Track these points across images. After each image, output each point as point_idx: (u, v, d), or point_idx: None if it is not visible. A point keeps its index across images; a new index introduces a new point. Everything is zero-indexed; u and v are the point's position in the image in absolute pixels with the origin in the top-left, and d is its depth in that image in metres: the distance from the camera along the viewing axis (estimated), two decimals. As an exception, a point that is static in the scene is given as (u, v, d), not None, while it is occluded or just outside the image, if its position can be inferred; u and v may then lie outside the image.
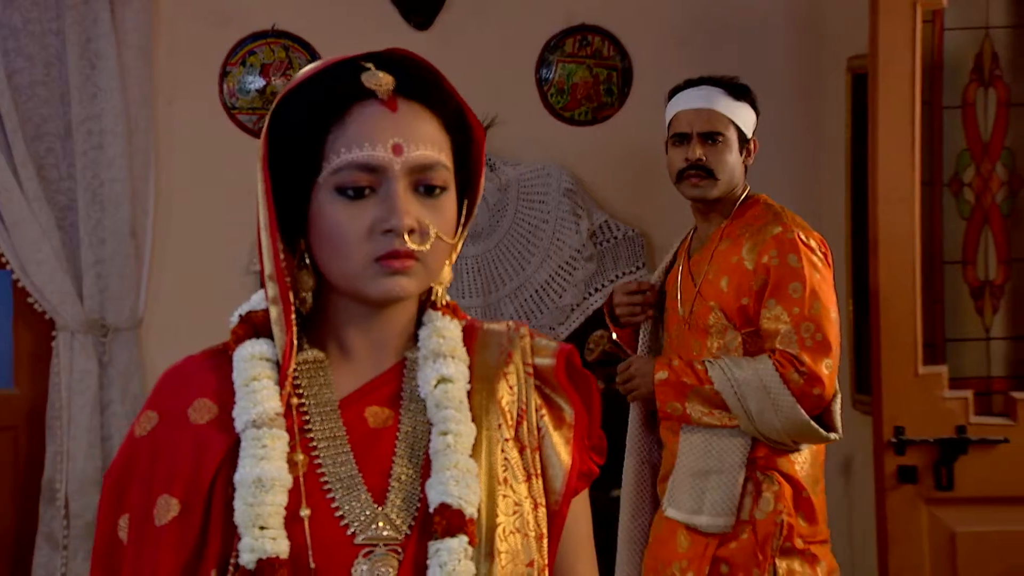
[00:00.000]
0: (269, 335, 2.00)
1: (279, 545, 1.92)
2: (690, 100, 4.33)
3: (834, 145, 5.72)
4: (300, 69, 5.66)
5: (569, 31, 6.06)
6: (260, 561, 1.91)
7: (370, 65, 1.97)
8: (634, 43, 6.09)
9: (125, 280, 5.75)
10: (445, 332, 2.10)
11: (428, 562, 1.98)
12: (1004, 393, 4.78)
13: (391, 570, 1.98)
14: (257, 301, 2.06)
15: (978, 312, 4.81)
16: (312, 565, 1.95)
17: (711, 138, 4.26)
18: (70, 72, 5.61)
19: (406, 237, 1.93)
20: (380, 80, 1.94)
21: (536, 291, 5.78)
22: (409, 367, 2.10)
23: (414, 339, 2.09)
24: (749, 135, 4.35)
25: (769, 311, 4.15)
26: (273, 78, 5.94)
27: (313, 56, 5.93)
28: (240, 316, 2.05)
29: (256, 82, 5.92)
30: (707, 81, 4.37)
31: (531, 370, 2.16)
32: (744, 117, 4.34)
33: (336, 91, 1.95)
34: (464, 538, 1.99)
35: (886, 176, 4.69)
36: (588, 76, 6.08)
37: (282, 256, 1.98)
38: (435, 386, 2.05)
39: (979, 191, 4.96)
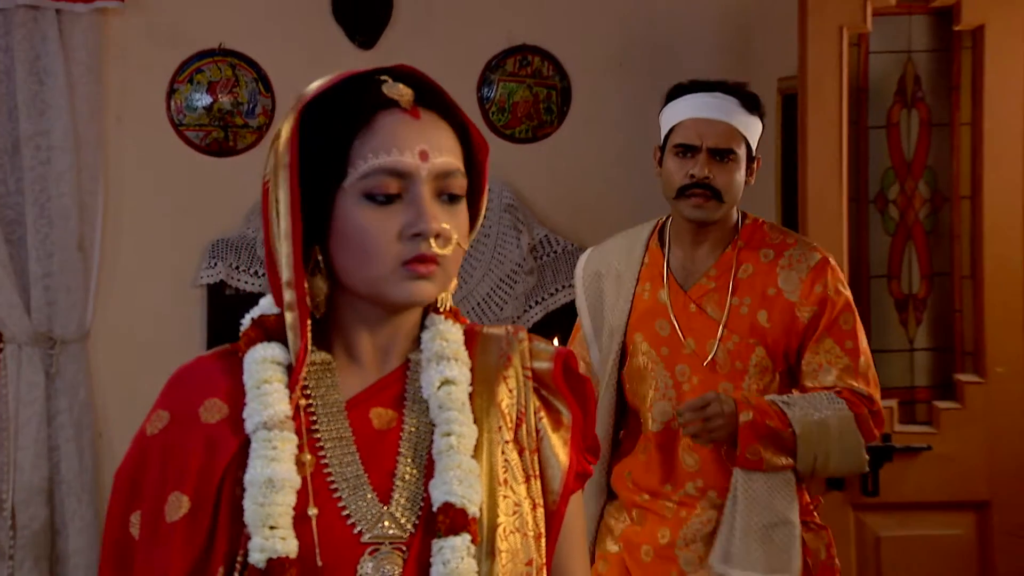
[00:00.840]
0: (280, 339, 2.02)
1: (288, 545, 1.94)
2: (701, 108, 3.86)
3: (764, 162, 5.66)
4: (246, 87, 5.87)
5: (510, 51, 6.09)
6: (270, 561, 1.93)
7: (386, 78, 2.00)
8: (573, 63, 6.13)
9: (73, 293, 5.73)
10: (448, 335, 2.11)
11: (432, 560, 2.01)
12: (927, 402, 4.88)
13: (396, 568, 2.01)
14: (267, 306, 2.08)
15: (902, 324, 4.88)
16: (319, 563, 1.97)
17: (722, 155, 3.81)
18: (18, 88, 5.60)
19: (432, 241, 1.95)
20: (401, 91, 1.97)
21: (478, 304, 5.80)
22: (412, 369, 2.12)
23: (417, 342, 2.11)
24: (755, 152, 3.93)
25: (820, 345, 3.81)
26: (220, 95, 5.93)
27: (259, 74, 5.93)
28: (252, 319, 2.07)
29: (203, 99, 5.92)
30: (721, 87, 3.90)
31: (530, 373, 2.18)
32: (755, 132, 3.92)
33: (361, 100, 1.97)
34: (467, 536, 2.01)
35: (815, 193, 4.78)
36: (528, 95, 6.12)
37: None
38: (438, 388, 2.07)
39: (903, 208, 4.98)
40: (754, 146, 3.89)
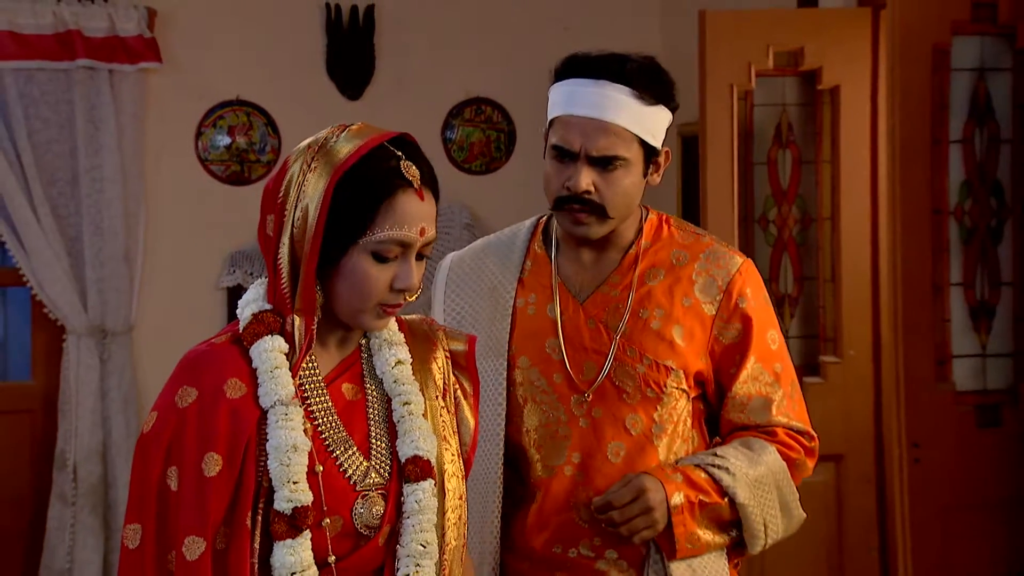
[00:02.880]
0: (276, 331, 2.03)
1: (307, 495, 1.98)
2: (581, 102, 2.55)
3: (666, 194, 5.79)
4: (258, 130, 5.94)
5: (467, 102, 6.22)
6: (295, 508, 1.97)
7: (400, 153, 2.03)
8: (518, 111, 6.24)
9: (120, 294, 5.79)
10: (391, 325, 2.16)
11: (404, 500, 2.07)
12: (798, 378, 4.75)
13: (380, 507, 2.07)
14: (255, 298, 2.07)
15: (779, 317, 4.84)
16: (325, 508, 2.02)
17: (605, 164, 2.54)
18: (78, 132, 5.68)
19: (408, 297, 2.05)
20: (414, 173, 2.02)
21: None
22: (365, 352, 2.16)
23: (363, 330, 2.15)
24: (660, 145, 2.62)
25: (746, 370, 2.63)
26: (237, 137, 5.98)
27: (269, 119, 5.99)
28: (253, 315, 2.05)
29: (224, 140, 5.98)
30: (610, 71, 2.55)
31: (448, 354, 2.25)
32: (655, 125, 2.58)
33: (387, 177, 2.01)
34: (431, 481, 2.08)
35: (713, 214, 4.80)
36: (482, 137, 6.23)
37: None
38: (393, 367, 2.13)
39: (780, 226, 5.01)
40: (657, 141, 2.60)
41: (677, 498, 2.51)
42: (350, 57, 6.02)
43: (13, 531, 5.87)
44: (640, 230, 2.70)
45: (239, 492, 1.98)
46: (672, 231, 2.71)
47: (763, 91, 4.97)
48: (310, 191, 1.99)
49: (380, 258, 2.01)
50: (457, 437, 2.22)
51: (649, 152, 2.60)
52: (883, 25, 4.70)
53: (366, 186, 2.00)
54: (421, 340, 2.22)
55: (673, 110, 2.64)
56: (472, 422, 2.26)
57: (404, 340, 2.17)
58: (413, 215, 2.01)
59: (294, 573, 1.97)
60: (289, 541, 1.97)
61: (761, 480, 2.58)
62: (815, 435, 2.71)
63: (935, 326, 4.48)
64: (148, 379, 5.90)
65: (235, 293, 5.89)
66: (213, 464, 1.96)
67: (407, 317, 2.25)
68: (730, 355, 2.65)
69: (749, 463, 2.58)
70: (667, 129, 2.65)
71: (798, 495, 2.67)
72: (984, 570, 4.51)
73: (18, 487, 5.88)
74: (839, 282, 4.91)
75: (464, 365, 2.26)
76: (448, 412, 2.21)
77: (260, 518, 2.00)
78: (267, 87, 6.03)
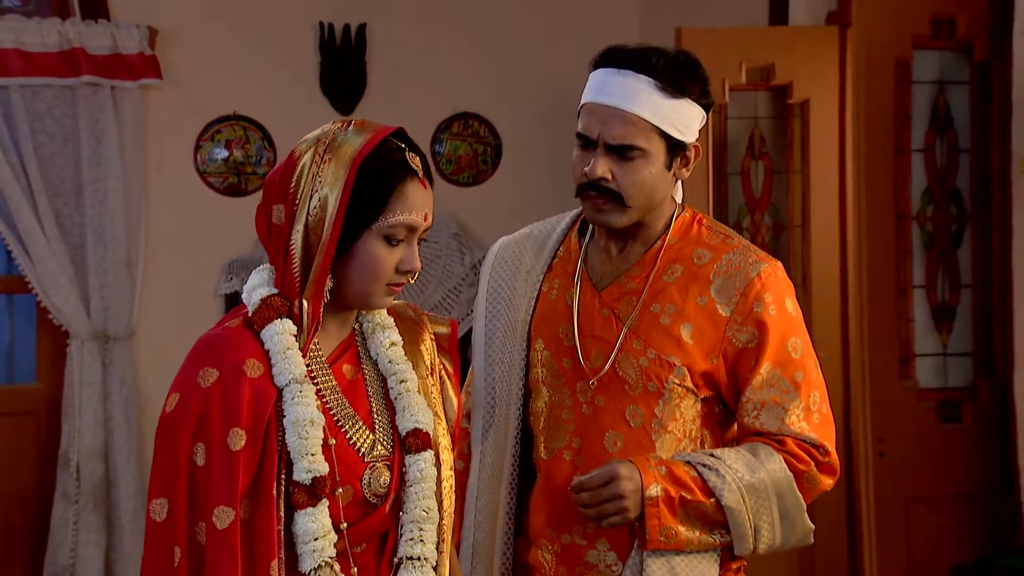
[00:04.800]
0: (285, 315, 2.08)
1: (324, 466, 2.05)
2: (603, 91, 2.54)
3: None
4: (254, 143, 5.95)
5: (455, 117, 6.22)
6: (314, 478, 2.04)
7: (403, 145, 2.12)
8: (503, 125, 6.25)
9: (122, 301, 5.80)
10: (382, 311, 2.25)
11: (407, 470, 2.16)
12: None
13: (385, 477, 2.15)
14: (260, 283, 2.13)
15: None
16: (337, 478, 2.09)
17: (621, 152, 2.52)
18: (82, 145, 5.70)
19: (410, 278, 2.14)
20: (418, 163, 2.11)
21: (431, 309, 5.69)
22: (359, 334, 2.23)
23: (356, 314, 2.22)
24: (689, 139, 2.56)
25: (762, 376, 2.53)
26: (235, 150, 5.98)
27: (264, 134, 5.99)
28: (262, 299, 2.10)
29: (222, 153, 5.98)
30: (636, 62, 2.53)
31: (433, 337, 2.33)
32: (680, 119, 2.54)
33: (396, 167, 2.09)
34: (431, 452, 2.17)
35: None
36: (469, 150, 6.24)
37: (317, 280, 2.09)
38: (387, 348, 2.20)
39: (753, 234, 5.05)
40: (684, 136, 2.54)
41: (654, 490, 2.46)
42: (343, 74, 6.05)
43: (18, 529, 5.89)
44: (669, 226, 2.64)
45: (263, 464, 2.03)
46: (702, 230, 2.64)
47: (736, 105, 5.03)
48: (328, 180, 2.06)
49: (391, 241, 2.09)
50: (442, 413, 2.29)
51: (673, 145, 2.55)
52: (849, 42, 4.79)
53: (380, 174, 2.08)
54: (408, 323, 2.29)
55: (705, 106, 2.58)
56: (455, 400, 2.34)
57: (392, 322, 2.25)
58: (419, 201, 2.10)
59: (316, 539, 2.05)
60: (310, 509, 2.04)
61: (757, 486, 2.48)
62: (831, 451, 2.56)
63: (899, 326, 4.61)
64: (149, 382, 5.91)
65: (233, 300, 5.87)
66: (238, 439, 2.01)
67: (394, 302, 2.31)
68: (746, 359, 2.56)
69: (747, 468, 2.49)
70: (701, 125, 2.59)
71: (804, 506, 2.54)
72: (946, 559, 4.62)
73: (23, 486, 5.89)
74: (810, 287, 4.95)
75: (447, 347, 2.34)
76: (437, 390, 2.29)
77: (282, 489, 2.06)
78: (263, 102, 6.04)
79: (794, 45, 4.93)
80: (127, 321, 5.88)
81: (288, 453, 2.05)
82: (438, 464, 2.19)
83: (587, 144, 2.56)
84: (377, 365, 2.21)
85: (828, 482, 2.57)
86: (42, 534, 5.85)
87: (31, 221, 5.68)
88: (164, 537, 2.02)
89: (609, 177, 2.53)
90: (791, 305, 2.60)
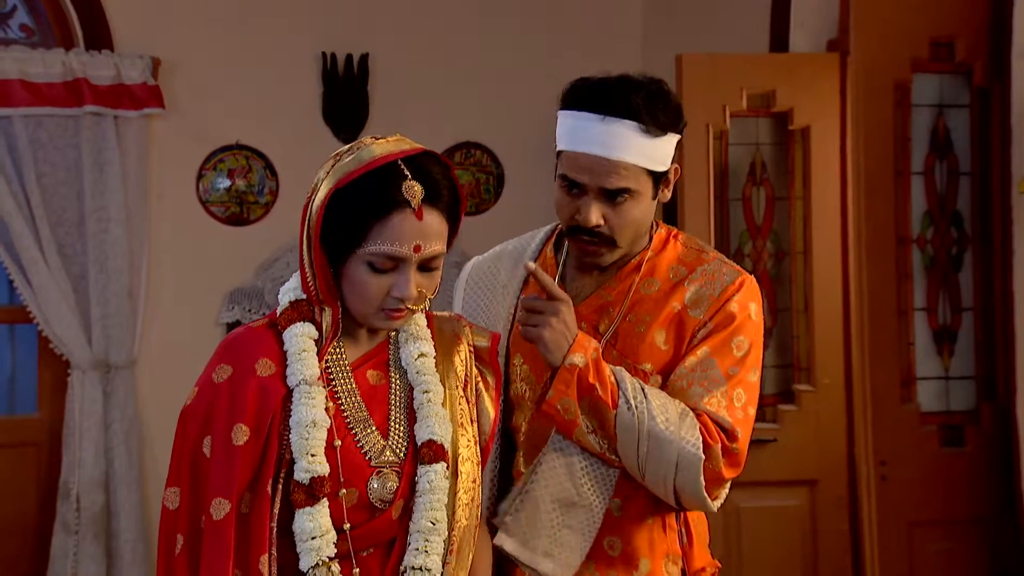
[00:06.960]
0: (309, 319, 2.16)
1: (324, 467, 2.10)
2: (589, 140, 2.54)
3: None
4: (257, 173, 5.95)
5: (458, 146, 6.27)
6: (312, 478, 2.09)
7: (408, 172, 2.11)
8: (506, 155, 6.28)
9: (123, 330, 5.81)
10: (418, 321, 2.28)
11: (418, 479, 2.19)
12: (773, 405, 4.91)
13: (393, 484, 2.19)
14: (295, 286, 2.20)
15: None
16: (342, 480, 2.14)
17: (614, 196, 2.55)
18: (84, 175, 5.71)
19: (408, 305, 2.14)
20: (415, 193, 2.10)
21: None
22: (392, 343, 2.27)
23: None
24: (668, 169, 2.61)
25: (698, 359, 2.56)
26: (237, 179, 6.01)
27: (267, 163, 6.02)
28: (290, 302, 2.18)
29: (224, 182, 6.01)
30: (616, 108, 2.52)
31: (472, 349, 2.35)
32: (661, 154, 2.57)
33: (384, 196, 2.10)
34: (444, 464, 2.19)
35: None
36: (472, 179, 6.26)
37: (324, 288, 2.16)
38: (416, 359, 2.24)
39: (755, 260, 5.03)
40: (665, 167, 2.59)
41: (579, 358, 2.46)
42: (345, 103, 6.09)
43: (18, 559, 5.87)
44: (649, 242, 2.69)
45: (263, 461, 2.10)
46: (677, 245, 2.70)
47: (737, 131, 5.02)
48: (318, 197, 2.13)
49: (375, 268, 2.12)
50: (475, 426, 2.32)
51: (658, 177, 2.60)
52: (849, 65, 4.78)
53: (361, 203, 2.11)
54: (447, 335, 2.33)
55: (681, 131, 2.62)
56: (492, 412, 2.37)
57: (430, 335, 2.28)
58: (407, 233, 2.10)
59: (314, 537, 2.10)
60: (308, 509, 2.10)
61: (664, 443, 2.46)
62: (741, 442, 2.53)
63: (900, 349, 4.58)
64: (150, 411, 5.93)
65: (234, 328, 5.83)
66: (241, 434, 2.08)
67: (438, 314, 2.36)
68: (692, 341, 2.59)
69: (662, 413, 2.48)
70: (677, 145, 2.62)
71: (703, 489, 2.48)
72: (949, 584, 4.60)
73: (23, 516, 5.88)
74: (812, 313, 4.93)
75: (487, 360, 2.38)
76: (468, 402, 2.32)
77: (281, 487, 2.12)
78: (266, 132, 6.08)
79: (795, 72, 4.92)
80: (128, 350, 5.89)
81: (292, 452, 2.11)
82: (455, 476, 2.22)
83: (573, 187, 2.58)
84: (407, 375, 2.26)
85: (728, 473, 2.53)
86: (42, 564, 5.83)
87: (33, 250, 5.70)
88: (175, 524, 2.11)
89: (602, 223, 2.57)
90: (755, 310, 2.63)
